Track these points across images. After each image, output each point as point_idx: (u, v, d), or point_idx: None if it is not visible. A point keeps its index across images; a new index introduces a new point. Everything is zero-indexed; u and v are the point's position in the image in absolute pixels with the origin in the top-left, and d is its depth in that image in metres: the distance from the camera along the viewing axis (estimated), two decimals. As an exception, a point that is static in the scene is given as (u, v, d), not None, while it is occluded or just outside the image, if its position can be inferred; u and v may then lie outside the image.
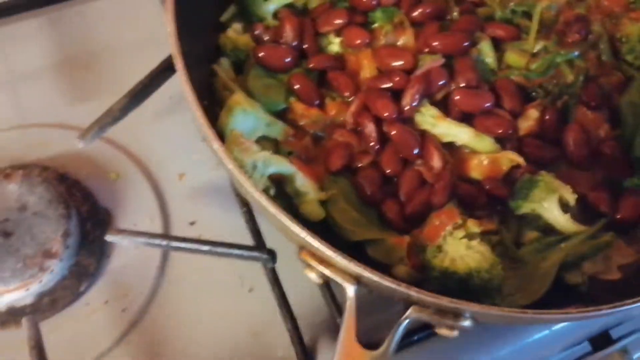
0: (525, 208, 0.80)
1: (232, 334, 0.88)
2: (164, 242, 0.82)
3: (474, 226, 0.74)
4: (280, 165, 0.76)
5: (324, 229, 0.79)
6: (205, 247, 0.82)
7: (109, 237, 0.82)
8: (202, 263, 0.91)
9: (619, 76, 0.91)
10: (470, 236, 0.74)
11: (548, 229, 0.81)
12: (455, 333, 0.67)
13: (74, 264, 0.90)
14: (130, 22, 1.12)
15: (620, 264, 0.81)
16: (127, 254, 0.92)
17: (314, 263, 0.67)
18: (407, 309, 0.67)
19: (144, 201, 0.96)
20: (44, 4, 1.12)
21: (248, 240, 0.89)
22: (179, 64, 0.72)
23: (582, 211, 0.84)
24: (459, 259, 0.72)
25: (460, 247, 0.72)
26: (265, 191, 0.74)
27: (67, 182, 0.96)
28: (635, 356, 0.94)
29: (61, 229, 0.88)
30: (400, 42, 0.89)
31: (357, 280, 0.67)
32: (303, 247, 0.68)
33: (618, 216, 0.83)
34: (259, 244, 0.87)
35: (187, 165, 0.99)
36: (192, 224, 0.96)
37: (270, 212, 0.67)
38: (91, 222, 0.93)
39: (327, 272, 0.67)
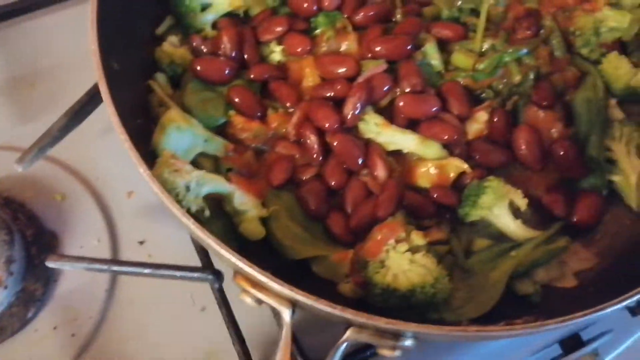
0: (474, 215, 0.78)
1: (184, 355, 0.86)
2: (105, 267, 0.80)
3: (418, 238, 0.71)
4: (216, 184, 0.73)
5: (267, 248, 0.77)
6: (148, 270, 0.79)
7: (49, 263, 0.80)
8: (152, 283, 0.88)
9: (574, 72, 0.87)
10: (414, 249, 0.71)
11: (500, 236, 0.79)
12: (397, 353, 0.64)
13: (20, 290, 0.87)
14: (76, 39, 1.08)
15: (577, 270, 0.78)
16: (74, 277, 0.90)
17: (248, 287, 0.64)
18: (347, 330, 0.65)
19: (91, 221, 0.94)
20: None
21: (197, 259, 0.87)
22: (102, 85, 0.69)
23: (539, 215, 0.82)
24: (402, 274, 0.69)
25: (403, 261, 0.70)
26: (199, 212, 0.71)
27: (12, 205, 0.93)
28: (606, 359, 0.92)
29: (4, 255, 0.85)
30: (343, 48, 0.86)
31: (293, 303, 0.64)
32: (237, 271, 0.65)
33: (574, 219, 0.80)
34: (205, 264, 0.85)
35: (135, 182, 0.96)
36: (141, 243, 0.93)
37: (199, 236, 0.64)
38: (37, 246, 0.90)
39: (261, 296, 0.64)
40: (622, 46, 0.90)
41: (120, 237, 0.93)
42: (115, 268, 0.79)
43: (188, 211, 0.70)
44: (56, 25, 1.10)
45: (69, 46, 1.06)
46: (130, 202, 0.96)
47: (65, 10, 1.10)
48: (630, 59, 0.89)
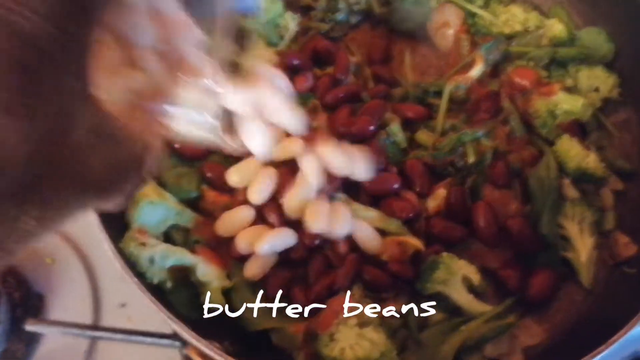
0: (430, 289, 0.81)
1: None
2: (79, 331, 0.85)
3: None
4: (180, 257, 0.78)
5: (230, 318, 0.81)
6: (120, 336, 0.84)
7: (28, 327, 0.85)
8: (130, 346, 0.92)
9: (532, 151, 0.92)
10: (364, 323, 0.74)
11: (455, 310, 0.82)
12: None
13: (3, 351, 0.92)
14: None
15: (526, 345, 0.80)
16: (56, 339, 0.94)
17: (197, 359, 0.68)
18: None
19: (77, 284, 0.99)
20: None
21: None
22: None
23: (496, 289, 0.84)
24: (349, 348, 0.72)
25: (351, 335, 0.73)
26: (162, 284, 0.76)
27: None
28: None
29: (-11, 318, 0.91)
30: (314, 125, 0.92)
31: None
32: (187, 342, 0.69)
33: (528, 294, 0.83)
34: (174, 331, 0.89)
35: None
36: (122, 305, 0.98)
37: (155, 308, 0.69)
38: (22, 308, 0.96)
39: (211, 368, 0.68)
40: (581, 127, 0.95)
41: (103, 299, 0.98)
42: (89, 333, 0.84)
43: (151, 282, 0.75)
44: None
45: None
46: (113, 266, 1.01)
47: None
48: (589, 139, 0.94)
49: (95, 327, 0.94)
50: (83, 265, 1.01)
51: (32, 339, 0.94)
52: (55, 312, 0.97)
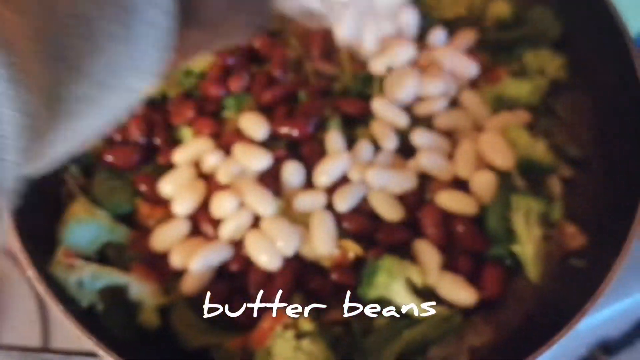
0: (372, 294, 0.78)
1: None
2: (27, 355, 0.83)
3: (306, 324, 0.73)
4: (111, 277, 0.76)
5: (170, 336, 0.79)
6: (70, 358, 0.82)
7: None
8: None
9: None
10: (301, 335, 0.72)
11: (402, 314, 0.80)
12: None
13: (-50, 377, 0.91)
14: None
15: (473, 345, 0.78)
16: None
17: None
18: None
19: (24, 304, 0.97)
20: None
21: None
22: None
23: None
24: (285, 363, 0.70)
25: (288, 348, 0.71)
26: (93, 306, 0.74)
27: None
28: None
29: None
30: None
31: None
32: (116, 369, 0.67)
33: (483, 294, 0.80)
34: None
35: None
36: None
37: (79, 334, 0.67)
38: (-33, 332, 0.93)
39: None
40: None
41: (52, 320, 0.96)
42: (39, 355, 0.82)
43: (80, 306, 0.73)
44: None
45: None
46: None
47: None
48: (538, 125, 0.91)
49: (45, 349, 0.92)
50: (29, 284, 0.99)
51: (-20, 363, 0.93)
52: (2, 335, 0.95)
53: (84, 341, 0.93)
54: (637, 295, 0.92)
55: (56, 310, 0.71)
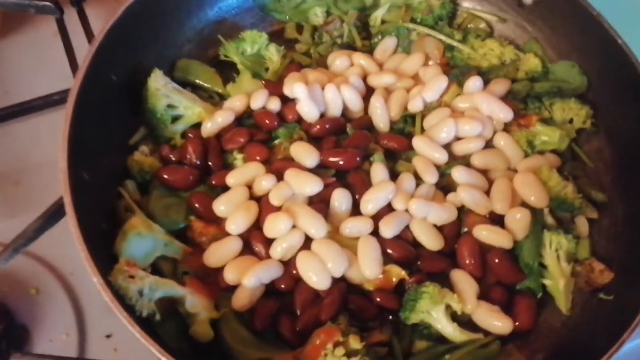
0: (414, 319, 0.83)
1: None
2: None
3: (355, 342, 0.76)
4: (168, 289, 0.79)
5: (220, 349, 0.81)
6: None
7: (13, 360, 0.85)
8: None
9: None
10: (351, 353, 0.76)
11: (440, 339, 0.84)
12: None
13: (-13, 384, 0.91)
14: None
15: (508, 371, 0.82)
16: (40, 370, 0.94)
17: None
18: None
19: (61, 316, 0.99)
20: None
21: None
22: (67, 200, 0.77)
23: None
24: (336, 379, 0.73)
25: (339, 365, 0.74)
26: (151, 316, 0.77)
27: (-14, 300, 0.99)
28: None
29: (-26, 351, 0.90)
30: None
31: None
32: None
33: (516, 324, 0.84)
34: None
35: (107, 276, 1.02)
36: (108, 337, 0.98)
37: (142, 341, 0.69)
38: (6, 341, 0.95)
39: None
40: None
41: (88, 331, 0.98)
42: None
43: (140, 315, 0.76)
44: (42, 126, 1.19)
45: (54, 147, 1.15)
46: (100, 297, 1.01)
47: (51, 113, 1.19)
48: (564, 169, 0.98)
49: (80, 359, 0.93)
50: (68, 296, 1.01)
51: (17, 372, 0.94)
52: (40, 344, 0.97)
53: (119, 351, 0.97)
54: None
55: (120, 318, 0.73)
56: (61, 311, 1.00)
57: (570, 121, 1.01)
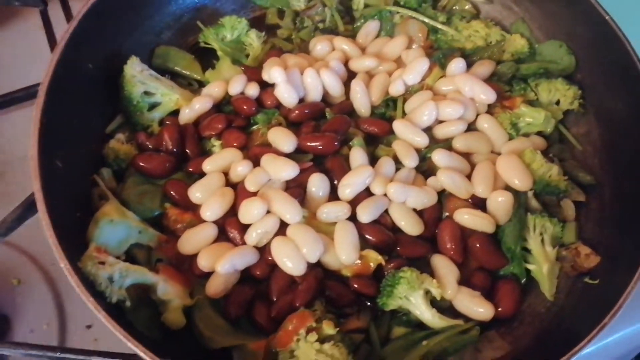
0: (392, 305, 0.81)
1: None
2: (40, 352, 0.84)
3: (329, 328, 0.74)
4: (139, 276, 0.78)
5: (192, 336, 0.80)
6: (85, 357, 0.84)
7: (-10, 350, 0.84)
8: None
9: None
10: (324, 339, 0.74)
11: (418, 325, 0.82)
12: None
13: (-34, 374, 0.91)
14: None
15: (490, 358, 0.80)
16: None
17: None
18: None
19: (43, 306, 0.98)
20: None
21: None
22: (37, 189, 0.76)
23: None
24: (308, 365, 0.72)
25: (311, 351, 0.72)
26: (121, 303, 0.76)
27: (-32, 290, 0.98)
28: None
29: (-46, 340, 0.90)
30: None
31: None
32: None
33: (499, 310, 0.82)
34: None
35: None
36: (88, 327, 0.97)
37: (110, 328, 0.68)
38: (-14, 331, 0.95)
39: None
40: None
41: (68, 321, 0.97)
42: (50, 354, 0.83)
43: (109, 302, 0.75)
44: (25, 118, 1.17)
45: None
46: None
47: (34, 105, 1.18)
48: (551, 152, 0.95)
49: (61, 348, 0.93)
50: (49, 286, 1.01)
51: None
52: (21, 334, 0.96)
53: (100, 341, 0.96)
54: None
55: (86, 303, 0.72)
56: (42, 301, 0.99)
57: (557, 102, 0.98)
